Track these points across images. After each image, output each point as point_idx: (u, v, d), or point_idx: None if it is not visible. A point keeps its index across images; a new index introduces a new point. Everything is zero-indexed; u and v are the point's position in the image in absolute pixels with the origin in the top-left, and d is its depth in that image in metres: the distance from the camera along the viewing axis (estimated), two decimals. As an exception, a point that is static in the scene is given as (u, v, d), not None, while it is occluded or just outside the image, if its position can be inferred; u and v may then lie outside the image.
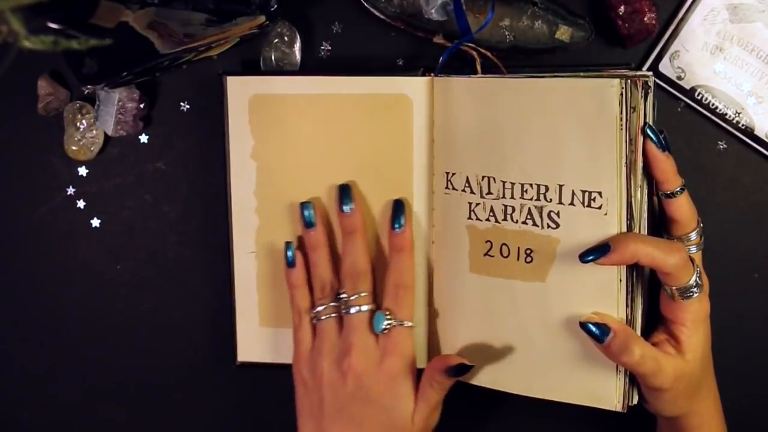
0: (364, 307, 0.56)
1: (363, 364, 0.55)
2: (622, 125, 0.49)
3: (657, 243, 0.49)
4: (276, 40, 0.60)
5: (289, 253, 0.59)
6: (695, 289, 0.50)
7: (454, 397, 0.64)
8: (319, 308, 0.57)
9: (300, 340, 0.58)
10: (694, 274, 0.50)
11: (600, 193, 0.50)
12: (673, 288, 0.50)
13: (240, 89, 0.60)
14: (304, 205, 0.58)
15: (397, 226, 0.57)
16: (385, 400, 0.55)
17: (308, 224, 0.58)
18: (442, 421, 0.64)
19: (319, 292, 0.57)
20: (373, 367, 0.55)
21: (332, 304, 0.57)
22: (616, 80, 0.49)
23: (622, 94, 0.49)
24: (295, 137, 0.60)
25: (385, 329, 0.55)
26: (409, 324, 0.56)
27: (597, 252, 0.49)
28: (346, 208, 0.57)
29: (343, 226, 0.58)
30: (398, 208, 0.57)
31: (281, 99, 0.59)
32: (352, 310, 0.56)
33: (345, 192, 0.58)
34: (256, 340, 0.62)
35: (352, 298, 0.56)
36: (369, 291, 0.56)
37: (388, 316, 0.55)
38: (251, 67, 0.62)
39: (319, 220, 0.58)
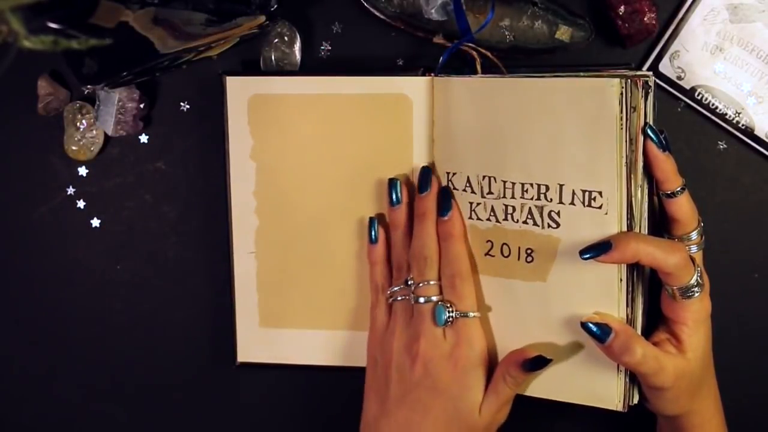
0: (433, 297, 0.54)
1: (431, 352, 0.54)
2: (622, 125, 0.49)
3: (658, 242, 0.49)
4: (276, 40, 0.60)
5: (373, 230, 0.58)
6: (696, 289, 0.50)
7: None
8: (396, 288, 0.56)
9: (375, 317, 0.58)
10: (695, 274, 0.50)
11: (600, 193, 0.50)
12: (674, 288, 0.50)
13: (239, 89, 0.60)
14: (392, 182, 0.58)
15: (444, 213, 0.56)
16: (453, 390, 0.53)
17: (395, 201, 0.57)
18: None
19: (396, 271, 0.57)
20: (441, 356, 0.54)
21: (404, 287, 0.56)
22: (617, 80, 0.49)
23: (622, 94, 0.49)
24: (294, 137, 0.60)
25: (448, 321, 0.54)
26: (474, 314, 0.54)
27: (597, 249, 0.49)
28: (425, 190, 0.56)
29: (418, 209, 0.57)
30: (444, 195, 0.56)
31: (281, 99, 0.59)
32: (421, 299, 0.55)
33: (426, 175, 0.57)
34: (256, 341, 0.62)
35: (420, 285, 0.55)
36: (436, 279, 0.55)
37: (449, 308, 0.54)
38: (251, 67, 0.62)
39: (404, 199, 0.58)
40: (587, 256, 0.49)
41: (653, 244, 0.49)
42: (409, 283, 0.56)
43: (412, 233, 0.57)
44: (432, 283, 0.55)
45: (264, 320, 0.62)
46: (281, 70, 0.61)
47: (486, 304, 0.56)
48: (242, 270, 0.62)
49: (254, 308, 0.62)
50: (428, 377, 0.54)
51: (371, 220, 0.59)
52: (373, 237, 0.58)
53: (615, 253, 0.49)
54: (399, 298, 0.56)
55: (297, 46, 0.61)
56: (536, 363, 0.53)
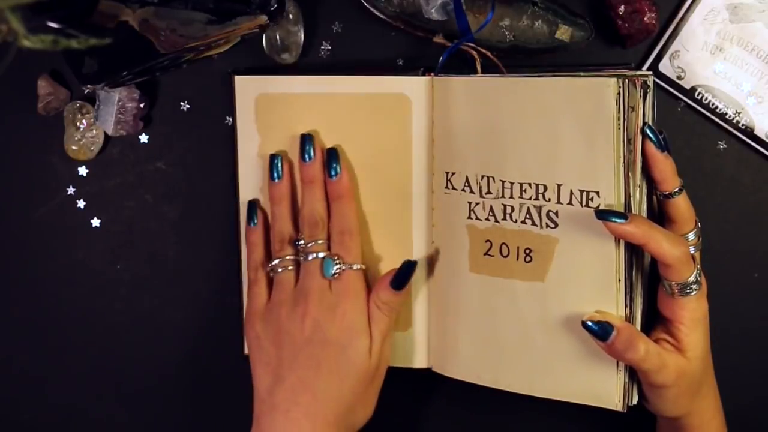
0: (321, 254, 0.56)
1: (318, 307, 0.55)
2: (619, 125, 0.49)
3: (666, 233, 0.49)
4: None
5: (255, 213, 0.60)
6: (694, 286, 0.50)
7: (455, 397, 0.64)
8: (276, 261, 0.58)
9: (255, 294, 0.58)
10: (695, 271, 0.50)
11: (598, 193, 0.50)
12: (673, 283, 0.50)
13: (247, 88, 0.60)
14: (273, 157, 0.59)
15: (333, 173, 0.58)
16: (342, 340, 0.55)
17: (276, 176, 0.59)
18: (444, 420, 0.64)
19: (278, 244, 0.58)
20: (328, 309, 0.55)
21: (289, 257, 0.57)
22: (613, 80, 0.49)
23: (619, 94, 0.49)
24: (298, 135, 0.60)
25: (335, 273, 0.56)
26: (359, 266, 0.56)
27: (614, 215, 0.49)
28: (307, 158, 0.58)
29: (303, 176, 0.59)
30: (332, 155, 0.58)
31: (285, 98, 0.60)
32: (310, 257, 0.56)
33: (308, 142, 0.58)
34: None
35: (309, 245, 0.56)
36: (325, 239, 0.57)
37: (337, 261, 0.56)
38: (254, 64, 0.62)
39: (286, 172, 0.59)
40: (603, 216, 0.49)
41: (663, 232, 0.49)
42: (299, 244, 0.57)
43: (298, 203, 0.59)
44: (321, 241, 0.57)
45: None
46: (284, 66, 0.61)
47: (486, 304, 0.56)
48: None
49: None
50: (318, 331, 0.55)
51: (251, 203, 0.60)
52: (255, 220, 0.60)
53: (629, 226, 0.48)
54: (280, 270, 0.57)
55: (301, 26, 0.60)
56: (400, 274, 0.56)
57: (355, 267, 0.56)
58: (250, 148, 0.61)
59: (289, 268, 0.57)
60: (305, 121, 0.60)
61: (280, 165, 0.59)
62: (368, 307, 0.56)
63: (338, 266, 0.56)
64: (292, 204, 0.60)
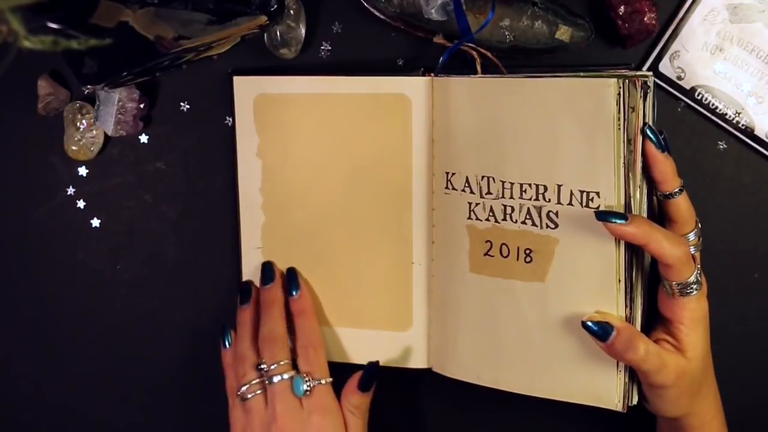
0: (285, 375, 0.56)
1: (291, 425, 0.55)
2: (619, 125, 0.49)
3: (666, 233, 0.49)
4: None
5: (227, 335, 0.61)
6: (695, 286, 0.50)
7: (455, 397, 0.64)
8: (243, 388, 0.58)
9: (234, 420, 0.59)
10: (695, 271, 0.50)
11: (598, 194, 0.50)
12: (673, 283, 0.50)
13: (245, 89, 0.60)
14: (243, 285, 0.62)
15: (294, 292, 0.60)
16: None
17: (243, 302, 0.61)
18: (444, 420, 0.64)
19: (241, 367, 0.59)
20: (300, 427, 0.56)
21: (254, 381, 0.58)
22: (613, 80, 0.49)
23: (619, 94, 0.49)
24: (297, 136, 0.60)
25: (306, 391, 0.56)
26: (327, 380, 0.57)
27: (613, 216, 0.49)
28: (268, 282, 0.61)
29: (264, 300, 0.60)
30: (291, 275, 0.61)
31: (284, 98, 0.60)
32: (275, 380, 0.56)
33: (267, 268, 0.61)
34: None
35: (272, 367, 0.57)
36: (288, 358, 0.57)
37: (306, 379, 0.56)
38: (256, 63, 0.62)
39: (253, 297, 0.61)
40: (602, 218, 0.49)
41: (663, 233, 0.49)
42: (262, 368, 0.57)
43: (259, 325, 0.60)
44: (284, 363, 0.57)
45: None
46: (284, 65, 0.61)
47: (486, 304, 0.56)
48: (250, 265, 0.62)
49: None
50: None
51: (223, 326, 0.61)
52: (227, 342, 0.61)
53: (629, 227, 0.48)
54: (249, 396, 0.57)
55: (302, 21, 0.60)
56: (366, 377, 0.57)
57: (323, 381, 0.57)
58: (250, 149, 0.61)
59: (257, 392, 0.57)
60: (304, 121, 0.60)
61: (250, 290, 0.61)
62: (343, 428, 0.57)
63: (308, 383, 0.56)
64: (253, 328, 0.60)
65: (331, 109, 0.59)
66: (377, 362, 0.58)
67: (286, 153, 0.61)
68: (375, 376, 0.57)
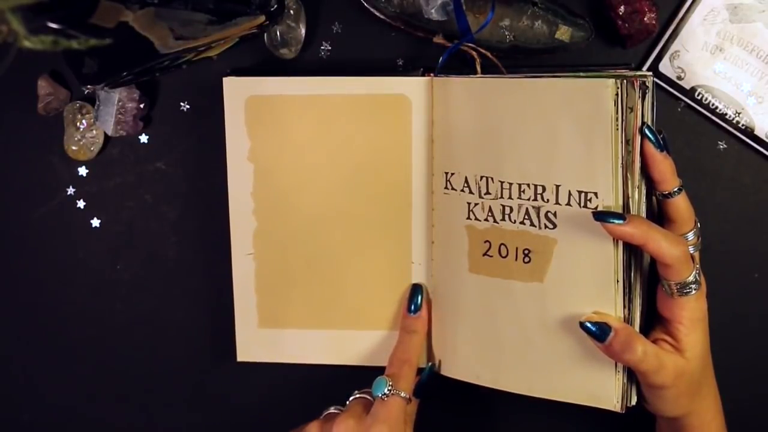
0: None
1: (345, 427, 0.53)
2: (617, 126, 0.49)
3: (665, 233, 0.49)
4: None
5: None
6: (694, 286, 0.50)
7: (455, 397, 0.64)
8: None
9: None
10: (694, 270, 0.50)
11: (596, 194, 0.50)
12: (672, 283, 0.50)
13: (236, 90, 0.60)
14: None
15: (413, 308, 0.59)
16: None
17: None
18: (445, 420, 0.64)
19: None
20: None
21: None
22: (611, 80, 0.49)
23: (617, 95, 0.49)
24: (292, 139, 0.60)
25: (384, 395, 0.54)
26: (406, 395, 0.55)
27: (612, 216, 0.49)
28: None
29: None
30: (415, 291, 0.60)
31: (277, 100, 0.59)
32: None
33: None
34: (256, 342, 0.62)
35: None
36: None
37: (390, 383, 0.55)
38: (255, 65, 0.62)
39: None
40: (600, 218, 0.49)
41: (662, 232, 0.49)
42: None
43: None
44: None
45: (263, 321, 0.62)
46: (281, 62, 0.61)
47: (485, 304, 0.56)
48: (241, 271, 0.62)
49: (253, 309, 0.62)
50: None
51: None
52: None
53: (627, 227, 0.48)
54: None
55: (302, 21, 0.60)
56: (424, 382, 0.57)
57: (402, 394, 0.55)
58: (241, 152, 0.60)
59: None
60: (299, 123, 0.59)
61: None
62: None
63: (390, 389, 0.54)
64: None
65: (329, 110, 0.59)
66: (432, 365, 0.58)
67: (280, 156, 0.60)
68: (433, 381, 0.57)
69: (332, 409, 0.56)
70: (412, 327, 0.59)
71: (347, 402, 0.56)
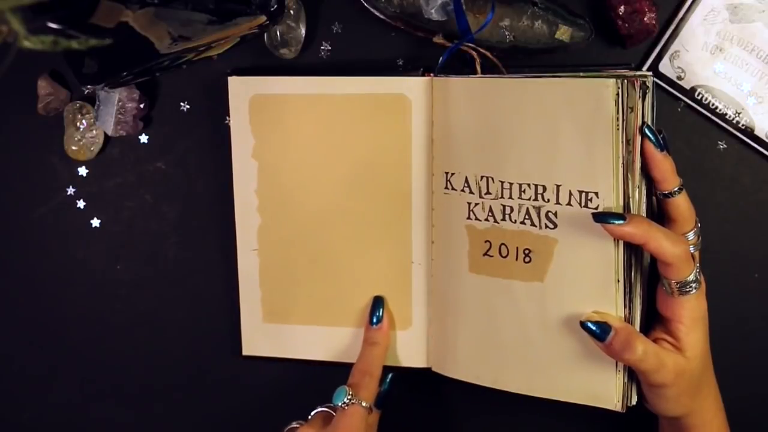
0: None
1: None
2: (618, 125, 0.49)
3: (666, 232, 0.49)
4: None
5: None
6: (694, 285, 0.50)
7: (455, 397, 0.64)
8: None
9: None
10: (695, 269, 0.50)
11: (597, 194, 0.50)
12: (672, 282, 0.50)
13: (241, 89, 0.60)
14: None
15: (375, 320, 0.60)
16: None
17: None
18: (443, 420, 0.64)
19: None
20: None
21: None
22: (612, 80, 0.49)
23: (618, 95, 0.49)
24: (294, 137, 0.60)
25: (344, 404, 0.55)
26: (366, 404, 0.56)
27: (612, 217, 0.49)
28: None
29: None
30: (377, 303, 0.61)
31: (281, 99, 0.60)
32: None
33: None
34: (260, 336, 0.63)
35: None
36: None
37: (350, 393, 0.55)
38: (257, 64, 0.62)
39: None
40: (600, 219, 0.49)
41: (662, 231, 0.49)
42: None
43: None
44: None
45: (267, 316, 0.62)
46: (283, 64, 0.61)
47: (485, 304, 0.56)
48: (245, 267, 0.62)
49: (257, 304, 0.62)
50: None
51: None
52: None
53: (628, 227, 0.49)
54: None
55: (303, 21, 0.60)
56: (384, 394, 0.57)
57: (363, 404, 0.55)
58: (245, 150, 0.61)
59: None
60: (302, 122, 0.60)
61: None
62: None
63: (350, 398, 0.55)
64: None
65: (330, 110, 0.59)
66: (393, 376, 0.59)
67: (284, 154, 0.60)
68: (393, 393, 0.58)
69: (294, 424, 0.57)
70: (373, 339, 0.60)
71: (309, 417, 0.57)
